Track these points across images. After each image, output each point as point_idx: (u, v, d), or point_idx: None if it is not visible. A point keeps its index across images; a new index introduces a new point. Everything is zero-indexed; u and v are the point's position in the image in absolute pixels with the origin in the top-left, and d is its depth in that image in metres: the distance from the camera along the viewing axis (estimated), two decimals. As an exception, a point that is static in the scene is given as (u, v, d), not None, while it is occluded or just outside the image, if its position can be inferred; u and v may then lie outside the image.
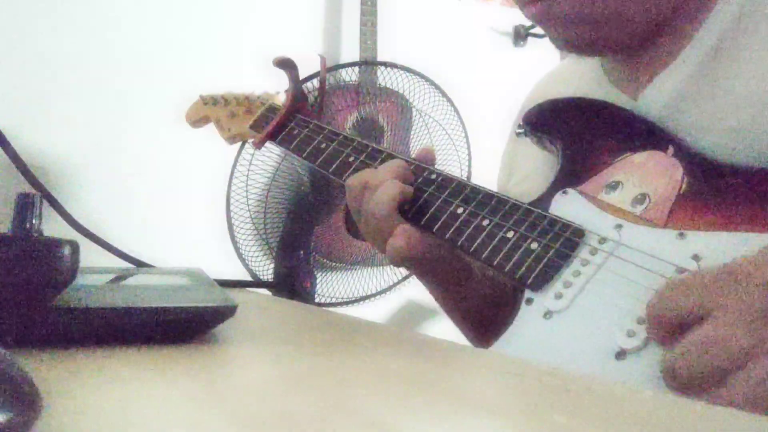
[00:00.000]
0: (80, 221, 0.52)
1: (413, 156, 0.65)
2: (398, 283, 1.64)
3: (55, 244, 0.32)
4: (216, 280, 0.48)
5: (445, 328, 0.74)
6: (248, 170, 1.46)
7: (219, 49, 1.55)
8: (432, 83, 1.60)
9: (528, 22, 1.95)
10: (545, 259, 0.51)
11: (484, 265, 0.54)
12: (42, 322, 0.32)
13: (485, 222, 0.55)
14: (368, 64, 1.59)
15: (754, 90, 0.52)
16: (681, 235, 0.48)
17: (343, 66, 1.58)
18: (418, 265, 0.61)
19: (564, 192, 0.56)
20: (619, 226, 0.51)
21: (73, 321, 0.32)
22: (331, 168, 0.68)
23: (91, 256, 0.43)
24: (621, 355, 0.45)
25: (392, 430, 0.24)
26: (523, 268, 0.52)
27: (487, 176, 0.79)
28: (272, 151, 1.46)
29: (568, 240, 0.51)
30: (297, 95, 0.75)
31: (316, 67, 0.81)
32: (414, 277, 0.68)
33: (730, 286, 0.40)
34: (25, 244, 0.32)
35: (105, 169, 1.46)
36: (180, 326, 0.35)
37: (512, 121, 0.76)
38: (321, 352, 0.38)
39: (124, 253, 0.57)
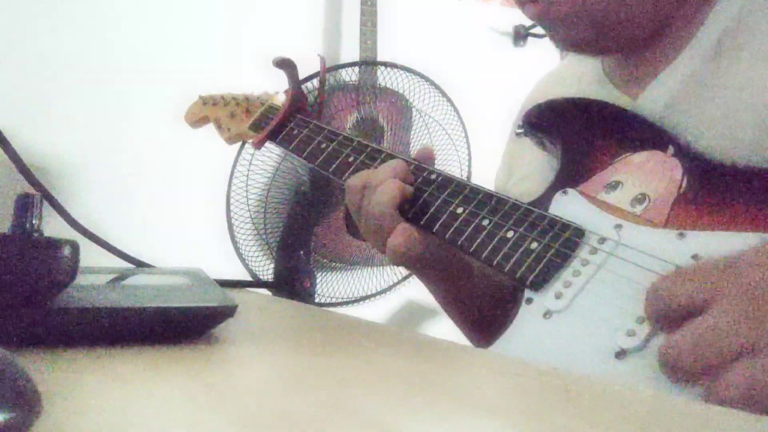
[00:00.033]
0: (80, 221, 0.52)
1: (413, 156, 0.65)
2: (398, 283, 1.64)
3: (55, 244, 0.32)
4: (216, 280, 0.48)
5: (445, 328, 0.74)
6: (248, 170, 1.46)
7: (219, 49, 1.55)
8: (432, 83, 1.60)
9: (528, 22, 1.95)
10: (545, 259, 0.51)
11: (484, 264, 0.54)
12: (42, 322, 0.32)
13: (485, 222, 0.55)
14: (368, 64, 1.59)
15: (755, 90, 0.52)
16: (681, 234, 0.48)
17: (343, 66, 1.58)
18: (418, 264, 0.61)
19: (564, 192, 0.56)
20: (618, 226, 0.51)
21: (73, 321, 0.32)
22: (330, 168, 0.68)
23: (91, 256, 0.43)
24: (621, 354, 0.45)
25: (392, 430, 0.24)
26: (523, 268, 0.52)
27: (487, 176, 0.79)
28: (272, 151, 1.46)
29: (567, 240, 0.51)
30: (297, 95, 0.75)
31: (316, 67, 0.81)
32: (414, 277, 0.68)
33: (733, 278, 0.40)
34: (25, 244, 0.32)
35: (105, 169, 1.46)
36: (180, 326, 0.35)
37: (512, 121, 0.76)
38: (321, 352, 0.38)
39: (124, 253, 0.57)
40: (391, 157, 0.64)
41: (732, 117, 0.53)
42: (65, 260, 0.32)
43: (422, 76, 1.59)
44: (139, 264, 0.57)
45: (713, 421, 0.29)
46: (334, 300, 1.59)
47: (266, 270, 1.51)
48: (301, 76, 0.77)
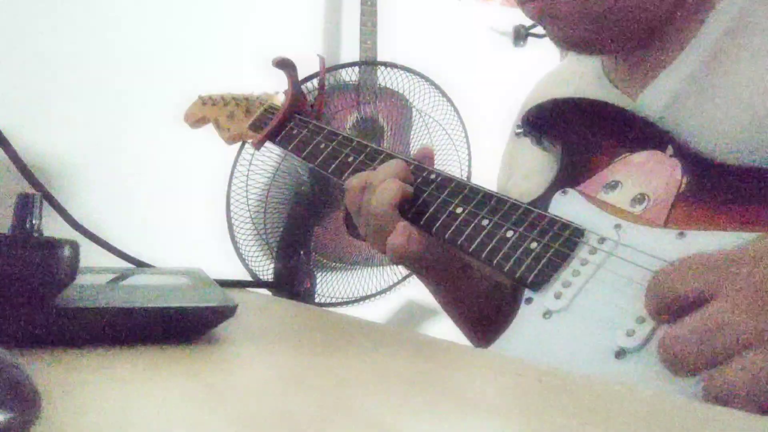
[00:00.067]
0: (80, 221, 0.52)
1: (412, 155, 0.65)
2: (398, 283, 1.64)
3: (55, 244, 0.32)
4: (216, 280, 0.48)
5: (445, 328, 0.74)
6: (248, 170, 1.46)
7: (219, 49, 1.55)
8: (432, 83, 1.60)
9: (528, 22, 1.95)
10: (545, 259, 0.51)
11: (484, 264, 0.54)
12: (42, 322, 0.32)
13: (485, 222, 0.55)
14: (368, 64, 1.59)
15: (754, 90, 0.52)
16: (681, 234, 0.48)
17: (343, 66, 1.58)
18: (418, 263, 0.61)
19: (563, 192, 0.56)
20: (618, 226, 0.51)
21: (73, 321, 0.32)
22: (330, 168, 0.68)
23: (91, 256, 0.43)
24: (621, 354, 0.45)
25: (392, 430, 0.24)
26: (523, 268, 0.52)
27: (487, 176, 0.79)
28: (272, 151, 1.46)
29: (567, 239, 0.51)
30: (296, 95, 0.75)
31: (315, 67, 0.81)
32: (414, 277, 0.68)
33: (737, 270, 0.40)
34: (25, 244, 0.32)
35: (105, 169, 1.46)
36: (180, 326, 0.35)
37: (512, 121, 0.76)
38: (321, 352, 0.38)
39: (124, 253, 0.57)
40: (390, 157, 0.64)
41: (732, 117, 0.53)
42: (65, 260, 0.32)
43: (422, 76, 1.59)
44: (139, 264, 0.57)
45: (713, 421, 0.29)
46: (334, 300, 1.59)
47: (266, 270, 1.51)
48: (301, 76, 0.77)
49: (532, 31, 1.97)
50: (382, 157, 0.65)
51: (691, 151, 0.54)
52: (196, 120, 0.84)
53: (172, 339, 0.34)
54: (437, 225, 0.58)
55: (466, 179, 0.63)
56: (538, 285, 0.51)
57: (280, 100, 0.78)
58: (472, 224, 0.56)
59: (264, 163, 1.48)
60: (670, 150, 0.54)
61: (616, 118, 0.60)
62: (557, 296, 0.49)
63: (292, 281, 1.45)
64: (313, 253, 1.54)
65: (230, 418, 0.24)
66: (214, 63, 1.51)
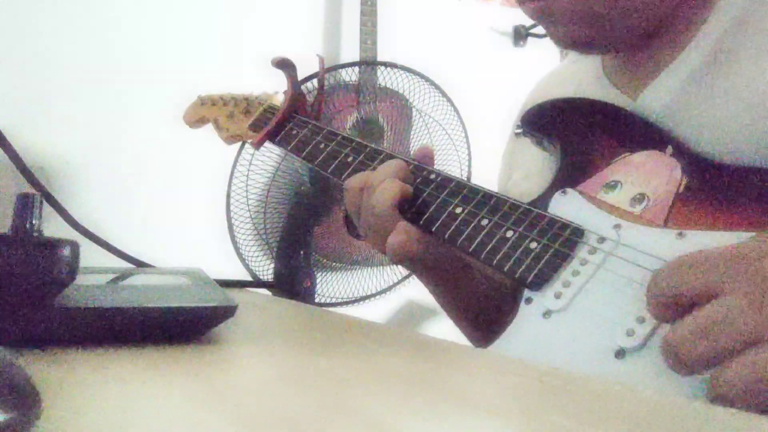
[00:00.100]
0: (80, 221, 0.52)
1: (412, 155, 0.65)
2: (398, 283, 1.64)
3: (55, 244, 0.32)
4: (216, 280, 0.48)
5: (445, 328, 0.74)
6: (248, 170, 1.46)
7: (219, 49, 1.55)
8: (432, 83, 1.60)
9: (528, 22, 1.95)
10: (544, 259, 0.51)
11: (484, 264, 0.54)
12: (42, 322, 0.32)
13: (484, 221, 0.55)
14: (368, 64, 1.59)
15: (754, 91, 0.52)
16: (680, 234, 0.48)
17: (343, 66, 1.58)
18: (418, 262, 0.61)
19: (563, 192, 0.56)
20: (617, 226, 0.51)
21: (73, 321, 0.32)
22: (329, 168, 0.68)
23: (91, 256, 0.43)
24: (621, 354, 0.45)
25: (392, 430, 0.24)
26: (523, 268, 0.52)
27: (487, 176, 0.79)
28: (272, 151, 1.46)
29: (567, 239, 0.51)
30: (295, 95, 0.75)
31: (315, 67, 0.81)
32: (414, 277, 0.68)
33: (738, 268, 0.40)
34: (25, 244, 0.32)
35: (105, 169, 1.46)
36: (180, 326, 0.35)
37: (512, 121, 0.76)
38: (321, 352, 0.38)
39: (124, 253, 0.57)
40: (389, 157, 0.64)
41: (732, 117, 0.53)
42: (65, 260, 0.32)
43: (422, 76, 1.59)
44: (139, 264, 0.58)
45: (713, 421, 0.29)
46: (334, 300, 1.59)
47: (266, 270, 1.51)
48: (301, 76, 0.77)
49: (532, 31, 1.97)
50: (381, 157, 0.65)
51: (691, 151, 0.54)
52: (195, 120, 0.84)
53: (172, 339, 0.34)
54: (437, 225, 0.58)
55: (466, 179, 0.63)
56: (537, 285, 0.51)
57: (279, 100, 0.78)
58: (472, 224, 0.56)
59: (264, 163, 1.48)
60: (669, 150, 0.54)
61: (616, 118, 0.60)
62: (557, 296, 0.49)
63: (292, 281, 1.45)
64: (313, 253, 1.54)
65: (230, 418, 0.24)
66: (214, 63, 1.51)
